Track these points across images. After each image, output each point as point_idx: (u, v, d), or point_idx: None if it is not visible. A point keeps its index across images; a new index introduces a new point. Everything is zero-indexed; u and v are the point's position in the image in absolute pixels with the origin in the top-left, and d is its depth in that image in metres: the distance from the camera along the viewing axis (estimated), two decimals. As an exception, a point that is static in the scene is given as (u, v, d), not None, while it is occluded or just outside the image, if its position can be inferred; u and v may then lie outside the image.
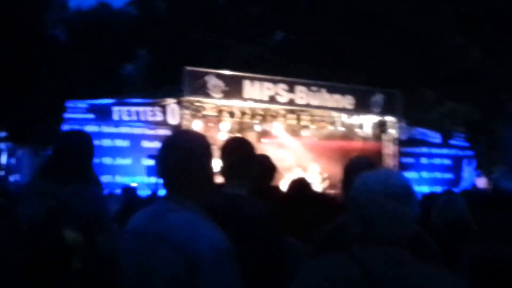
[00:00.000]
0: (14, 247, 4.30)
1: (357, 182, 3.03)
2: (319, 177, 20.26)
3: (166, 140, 3.49)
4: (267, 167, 6.40)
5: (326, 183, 20.06)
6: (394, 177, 3.01)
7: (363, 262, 2.82)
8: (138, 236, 3.29)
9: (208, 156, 3.47)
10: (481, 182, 20.73)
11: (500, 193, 4.58)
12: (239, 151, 4.74)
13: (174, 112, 18.59)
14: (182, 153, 3.34)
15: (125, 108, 18.60)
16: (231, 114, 19.52)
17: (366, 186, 2.97)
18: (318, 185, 19.35)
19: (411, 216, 2.94)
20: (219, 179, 4.62)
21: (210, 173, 3.47)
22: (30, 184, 5.16)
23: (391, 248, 2.87)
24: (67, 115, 18.22)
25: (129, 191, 12.66)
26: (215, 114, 19.33)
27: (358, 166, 4.43)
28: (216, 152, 4.30)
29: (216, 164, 4.14)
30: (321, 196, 7.58)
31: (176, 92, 18.73)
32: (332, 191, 17.59)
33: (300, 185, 6.61)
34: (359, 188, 2.99)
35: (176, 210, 3.26)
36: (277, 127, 21.22)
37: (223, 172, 4.68)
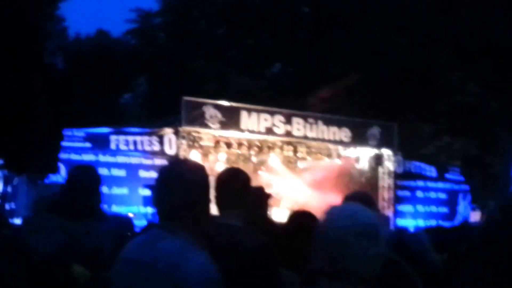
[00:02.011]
0: (24, 278, 4.33)
1: (327, 218, 3.06)
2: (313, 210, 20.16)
3: (163, 169, 3.54)
4: (261, 198, 6.45)
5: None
6: (362, 214, 3.06)
7: None
8: (130, 263, 3.34)
9: (205, 186, 3.51)
10: (476, 216, 20.76)
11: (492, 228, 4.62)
12: (234, 182, 4.79)
13: (171, 142, 18.61)
14: (179, 183, 3.39)
15: (122, 137, 18.60)
16: (228, 145, 19.53)
17: (335, 222, 3.01)
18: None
19: (378, 252, 2.98)
20: (214, 210, 4.67)
21: (206, 203, 3.51)
22: (41, 218, 5.19)
23: (358, 283, 2.91)
24: (64, 144, 18.22)
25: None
26: (212, 144, 19.34)
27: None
28: (212, 183, 4.36)
29: (212, 194, 4.19)
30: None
31: (174, 122, 18.76)
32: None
33: (302, 218, 6.64)
34: (328, 223, 3.03)
35: (167, 238, 3.30)
36: (273, 159, 21.24)
37: (218, 202, 4.72)
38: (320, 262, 3.03)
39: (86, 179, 5.29)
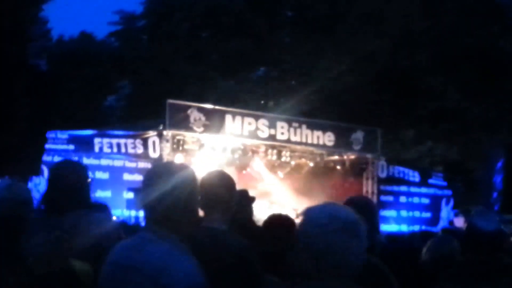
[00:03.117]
0: (20, 281, 4.27)
1: (306, 217, 3.06)
2: (294, 212, 20.19)
3: (150, 171, 3.51)
4: (245, 201, 6.44)
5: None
6: (342, 211, 3.07)
7: None
8: (116, 266, 3.32)
9: (193, 189, 3.49)
10: (459, 222, 20.80)
11: (475, 232, 4.63)
12: (218, 185, 4.78)
13: (155, 145, 18.54)
14: (167, 185, 3.36)
15: (106, 140, 18.50)
16: (212, 148, 19.51)
17: (315, 221, 3.01)
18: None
19: (360, 249, 2.99)
20: (199, 213, 4.64)
21: (194, 206, 3.49)
22: (33, 218, 5.14)
23: (341, 281, 2.91)
24: (47, 146, 18.12)
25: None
26: (196, 148, 19.30)
27: (356, 204, 4.53)
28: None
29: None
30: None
31: (158, 125, 18.70)
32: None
33: (279, 221, 6.62)
34: (308, 222, 3.03)
35: (155, 241, 3.28)
36: (257, 163, 21.23)
37: (203, 205, 4.70)
38: (304, 262, 3.02)
39: (68, 172, 5.27)
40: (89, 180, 5.43)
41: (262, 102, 30.35)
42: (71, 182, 5.17)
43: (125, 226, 11.79)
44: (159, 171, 3.54)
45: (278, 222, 6.06)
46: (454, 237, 6.32)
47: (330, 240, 2.96)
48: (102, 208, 5.50)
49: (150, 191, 3.41)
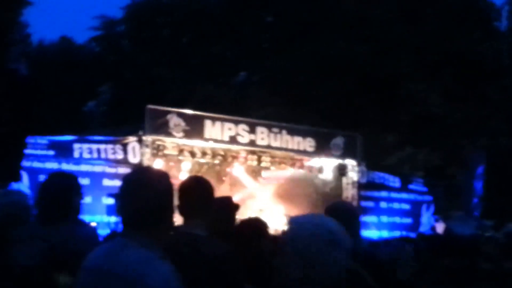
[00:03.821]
0: None
1: (296, 227, 3.08)
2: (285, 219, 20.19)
3: (127, 177, 3.50)
4: (229, 208, 6.44)
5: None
6: (328, 222, 3.09)
7: None
8: (93, 272, 3.31)
9: (169, 194, 3.48)
10: (439, 227, 20.90)
11: (454, 238, 4.64)
12: (198, 191, 4.79)
13: (135, 151, 18.49)
14: (143, 191, 3.35)
15: (86, 146, 18.42)
16: (192, 154, 19.48)
17: (304, 231, 3.03)
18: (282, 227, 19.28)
19: (343, 260, 3.02)
20: (178, 219, 4.64)
21: (170, 212, 3.48)
22: (22, 229, 5.12)
23: None
24: (27, 151, 18.02)
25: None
26: (176, 153, 19.28)
27: (338, 210, 4.55)
28: (176, 191, 4.33)
29: (176, 203, 4.15)
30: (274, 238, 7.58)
31: (137, 130, 18.67)
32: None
33: (252, 225, 6.62)
34: (298, 231, 3.05)
35: (132, 247, 3.27)
36: (237, 168, 21.23)
37: (182, 211, 4.70)
38: (291, 272, 3.04)
39: (62, 184, 5.26)
40: (81, 193, 5.43)
41: (243, 107, 30.28)
42: (65, 195, 5.17)
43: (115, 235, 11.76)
44: (135, 177, 3.53)
45: (249, 225, 6.07)
46: (430, 242, 6.36)
47: (318, 250, 2.98)
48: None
49: (127, 196, 3.40)
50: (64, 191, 5.18)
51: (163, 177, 3.53)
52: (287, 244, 3.11)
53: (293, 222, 3.20)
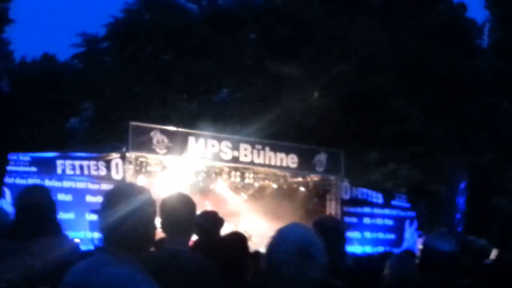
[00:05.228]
0: None
1: (277, 241, 3.09)
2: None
3: (108, 192, 3.51)
4: (215, 224, 6.46)
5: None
6: (311, 237, 3.12)
7: None
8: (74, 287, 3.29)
9: (151, 210, 3.49)
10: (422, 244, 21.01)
11: (432, 253, 4.66)
12: (180, 207, 4.80)
13: (118, 167, 18.47)
14: (124, 206, 3.36)
15: (68, 162, 18.37)
16: (175, 170, 19.49)
17: (281, 246, 3.05)
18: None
19: (317, 274, 3.05)
20: (161, 235, 4.66)
21: (151, 228, 3.48)
22: (1, 245, 5.11)
23: None
24: (9, 168, 17.97)
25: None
26: (159, 169, 19.28)
27: (325, 225, 4.56)
28: (158, 208, 4.35)
29: (158, 219, 4.17)
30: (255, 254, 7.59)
31: (121, 147, 18.66)
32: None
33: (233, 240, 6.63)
34: (275, 246, 3.06)
35: (113, 263, 3.26)
36: (221, 184, 21.24)
37: (164, 227, 4.72)
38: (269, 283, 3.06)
39: (37, 198, 5.25)
40: (54, 204, 5.42)
41: (225, 124, 30.30)
42: (41, 209, 5.16)
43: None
44: (117, 193, 3.52)
45: (230, 240, 6.10)
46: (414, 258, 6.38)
47: (300, 268, 3.01)
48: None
49: (108, 213, 3.41)
50: (39, 204, 5.18)
51: (145, 192, 3.53)
52: (267, 259, 3.13)
53: (278, 235, 3.22)
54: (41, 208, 5.14)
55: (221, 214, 7.13)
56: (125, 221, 3.33)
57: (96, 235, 16.44)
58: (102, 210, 3.42)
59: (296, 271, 3.02)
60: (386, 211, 23.82)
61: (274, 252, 3.11)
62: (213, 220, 6.64)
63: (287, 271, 3.03)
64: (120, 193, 3.51)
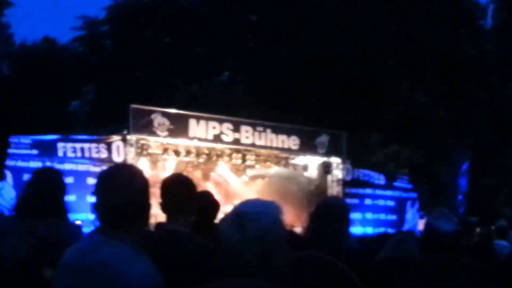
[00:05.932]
0: None
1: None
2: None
3: (102, 173, 3.50)
4: (209, 204, 6.44)
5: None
6: (246, 207, 3.12)
7: None
8: (71, 268, 3.28)
9: (145, 190, 3.47)
10: (422, 224, 21.01)
11: (433, 233, 4.65)
12: (180, 188, 4.80)
13: (119, 150, 18.44)
14: (119, 187, 3.34)
15: (69, 145, 18.35)
16: (176, 153, 19.45)
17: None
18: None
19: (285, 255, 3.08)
20: (162, 216, 4.65)
21: (146, 208, 3.47)
22: (7, 221, 5.13)
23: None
24: (11, 151, 17.97)
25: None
26: (161, 152, 19.26)
27: (330, 206, 4.55)
28: (159, 189, 4.34)
29: (158, 200, 4.15)
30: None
31: (122, 130, 18.63)
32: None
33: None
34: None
35: (109, 243, 3.26)
36: (222, 167, 21.21)
37: (165, 208, 4.71)
38: (250, 259, 3.02)
39: (49, 179, 5.29)
40: (65, 187, 5.45)
41: (227, 107, 30.24)
42: (52, 189, 5.18)
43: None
44: (110, 173, 3.52)
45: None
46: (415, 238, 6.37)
47: (281, 242, 3.00)
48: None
49: (103, 193, 3.40)
50: (50, 186, 5.21)
51: (139, 173, 3.52)
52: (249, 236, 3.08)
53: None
54: (53, 190, 5.18)
55: (222, 196, 7.15)
56: (119, 201, 3.32)
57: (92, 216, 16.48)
58: (96, 190, 3.42)
59: (229, 235, 2.98)
60: (388, 193, 23.79)
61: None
62: (213, 200, 6.63)
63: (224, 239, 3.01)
64: (114, 174, 3.50)
